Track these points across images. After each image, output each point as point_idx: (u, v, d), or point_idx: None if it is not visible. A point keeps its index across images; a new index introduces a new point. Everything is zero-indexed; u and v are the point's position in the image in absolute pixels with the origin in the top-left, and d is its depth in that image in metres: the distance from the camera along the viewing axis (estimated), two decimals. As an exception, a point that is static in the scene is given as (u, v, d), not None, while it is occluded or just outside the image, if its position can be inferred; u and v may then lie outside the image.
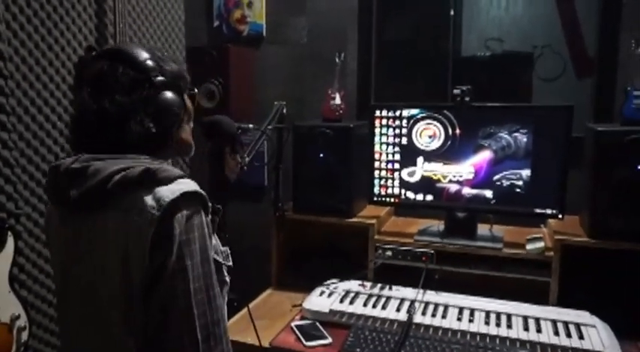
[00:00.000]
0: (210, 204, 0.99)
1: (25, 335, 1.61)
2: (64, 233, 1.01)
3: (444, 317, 1.65)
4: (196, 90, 1.15)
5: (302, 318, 1.74)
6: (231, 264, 1.12)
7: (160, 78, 1.01)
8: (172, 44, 2.31)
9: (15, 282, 1.62)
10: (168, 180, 0.93)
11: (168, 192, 0.91)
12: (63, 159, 1.00)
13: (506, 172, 1.80)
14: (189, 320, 0.90)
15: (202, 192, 0.95)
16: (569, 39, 2.30)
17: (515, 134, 1.78)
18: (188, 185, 0.94)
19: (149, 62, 1.01)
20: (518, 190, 1.80)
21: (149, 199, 0.90)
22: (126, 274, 0.90)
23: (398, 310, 1.69)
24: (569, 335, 1.53)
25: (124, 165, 0.92)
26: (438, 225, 1.96)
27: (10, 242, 1.57)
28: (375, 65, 2.37)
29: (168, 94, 1.01)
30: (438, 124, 1.86)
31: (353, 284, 1.87)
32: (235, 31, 2.41)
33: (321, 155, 1.95)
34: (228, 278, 1.11)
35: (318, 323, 1.69)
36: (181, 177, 0.95)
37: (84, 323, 0.99)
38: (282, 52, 2.40)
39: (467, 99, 1.82)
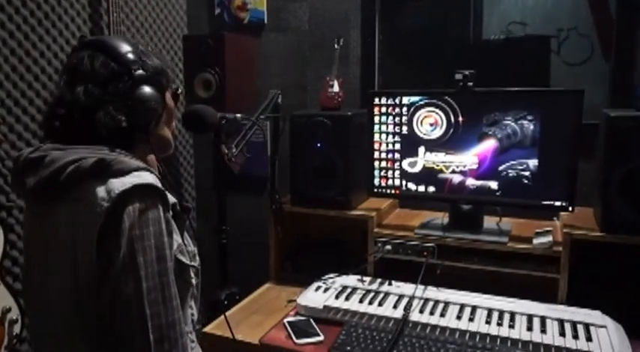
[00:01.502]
0: (173, 201, 0.95)
1: (17, 328, 1.61)
2: (30, 223, 1.01)
3: (442, 315, 1.57)
4: (180, 88, 1.12)
5: (297, 314, 1.69)
6: (197, 264, 1.05)
7: (140, 72, 0.98)
8: (173, 33, 2.28)
9: (6, 275, 1.62)
10: (123, 172, 0.89)
11: (120, 183, 0.87)
12: (25, 149, 0.99)
13: (512, 162, 1.70)
14: (141, 320, 0.86)
15: (159, 185, 0.91)
16: (598, 20, 2.16)
17: (522, 121, 1.67)
18: (143, 178, 0.90)
19: (130, 55, 0.98)
20: (524, 181, 1.69)
21: (101, 191, 0.87)
22: (74, 269, 0.87)
23: (395, 307, 1.62)
24: (576, 336, 1.43)
25: (79, 155, 0.89)
26: (442, 218, 1.87)
27: (0, 234, 1.57)
28: (389, 52, 2.26)
29: (147, 89, 0.98)
30: (440, 112, 1.76)
31: (351, 280, 1.81)
32: (236, 18, 2.36)
33: (319, 145, 1.88)
34: (194, 281, 1.05)
35: (312, 320, 1.63)
36: (139, 169, 0.91)
37: (42, 322, 0.97)
38: (284, 40, 2.34)
39: (470, 84, 1.72)
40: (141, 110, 0.97)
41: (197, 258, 1.05)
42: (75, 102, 0.94)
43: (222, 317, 1.66)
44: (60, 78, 1.00)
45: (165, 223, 0.90)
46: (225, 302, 2.03)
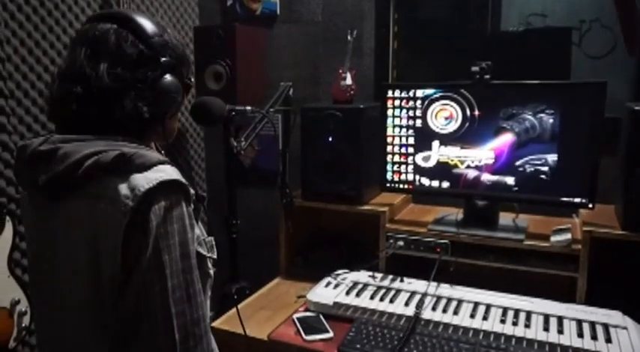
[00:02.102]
0: (192, 193, 0.91)
1: (26, 320, 1.61)
2: (34, 218, 0.95)
3: (455, 313, 1.52)
4: (193, 80, 1.07)
5: (306, 310, 1.66)
6: (215, 256, 1.03)
7: (167, 59, 0.92)
8: (185, 24, 2.25)
9: (15, 267, 1.61)
10: (145, 166, 0.84)
11: (144, 180, 0.83)
12: (30, 138, 0.91)
13: (530, 157, 1.64)
14: (166, 320, 0.83)
15: (183, 180, 0.87)
16: (621, 12, 2.08)
17: (541, 115, 1.61)
18: (167, 173, 0.85)
19: (159, 39, 0.92)
20: (542, 177, 1.63)
21: (123, 188, 0.82)
22: (94, 270, 0.83)
23: (407, 304, 1.58)
24: (594, 337, 1.38)
25: (96, 148, 0.83)
26: (457, 214, 1.83)
27: (9, 226, 1.56)
28: (403, 44, 2.21)
29: (171, 79, 0.92)
30: (455, 105, 1.72)
31: (362, 275, 1.77)
32: (248, 10, 2.33)
33: (331, 139, 1.85)
34: (212, 271, 1.02)
35: (321, 316, 1.60)
36: (160, 163, 0.86)
37: (52, 323, 0.93)
38: (296, 32, 2.30)
39: (487, 76, 1.66)
40: (164, 101, 0.92)
41: (215, 249, 1.02)
42: (97, 81, 0.85)
43: (230, 312, 1.65)
44: (74, 48, 0.89)
45: (188, 218, 0.87)
46: (235, 297, 2.00)
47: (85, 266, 0.84)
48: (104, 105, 0.87)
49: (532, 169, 1.65)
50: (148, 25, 0.92)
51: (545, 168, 1.63)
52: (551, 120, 1.60)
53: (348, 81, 1.89)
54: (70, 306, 0.88)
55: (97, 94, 0.86)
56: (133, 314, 0.83)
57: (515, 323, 1.45)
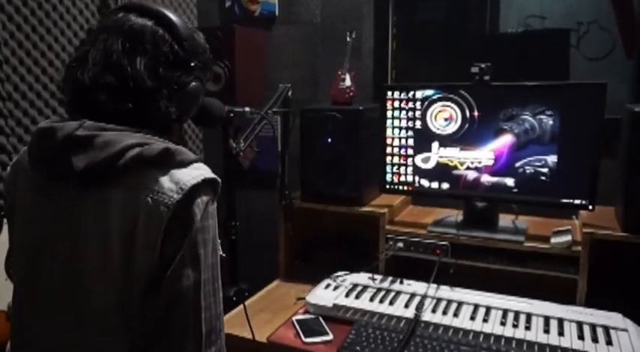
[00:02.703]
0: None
1: (24, 323, 1.59)
2: (43, 207, 0.88)
3: (455, 315, 1.52)
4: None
5: (305, 312, 1.65)
6: (224, 254, 1.04)
7: (198, 64, 0.93)
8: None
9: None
10: (185, 163, 0.86)
11: (188, 176, 0.84)
12: (55, 120, 0.87)
13: (530, 158, 1.64)
14: (196, 313, 0.84)
15: (219, 179, 0.89)
16: (618, 15, 2.08)
17: (540, 116, 1.61)
18: (206, 171, 0.88)
19: (194, 43, 0.92)
20: (542, 178, 1.63)
21: (165, 181, 0.82)
22: (128, 260, 0.81)
23: (406, 306, 1.58)
24: (595, 339, 1.37)
25: (137, 140, 0.83)
26: (457, 216, 1.82)
27: (6, 229, 1.55)
28: (402, 45, 2.21)
29: (198, 84, 0.94)
30: (455, 106, 1.71)
31: (362, 277, 1.77)
32: (247, 11, 2.32)
33: (330, 140, 1.84)
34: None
35: (321, 319, 1.60)
36: (197, 161, 0.89)
37: (61, 316, 0.88)
38: (295, 33, 2.29)
39: (486, 77, 1.66)
40: (189, 105, 0.94)
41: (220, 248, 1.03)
42: (135, 76, 0.84)
43: (228, 314, 1.64)
44: (106, 37, 0.87)
45: (216, 215, 0.89)
46: (234, 299, 2.00)
47: (119, 259, 0.82)
48: (139, 101, 0.86)
49: (532, 171, 1.64)
50: (182, 26, 0.92)
51: (545, 170, 1.62)
52: (550, 122, 1.60)
53: (347, 82, 1.89)
54: (91, 296, 0.84)
55: (134, 90, 0.85)
56: (165, 306, 0.82)
57: (515, 325, 1.45)
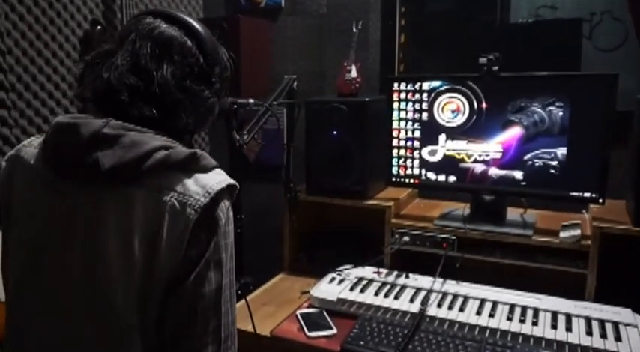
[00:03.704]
0: None
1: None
2: (51, 204, 0.85)
3: (461, 309, 1.50)
4: None
5: (310, 306, 1.64)
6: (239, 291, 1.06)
7: (218, 80, 0.93)
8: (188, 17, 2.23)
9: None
10: (207, 168, 0.87)
11: (213, 180, 0.84)
12: (76, 116, 0.85)
13: (539, 151, 1.61)
14: (216, 318, 0.84)
15: (237, 185, 0.90)
16: (632, 3, 2.03)
17: (550, 108, 1.58)
18: (227, 176, 0.89)
19: (217, 57, 0.93)
20: (552, 171, 1.60)
21: (191, 184, 0.82)
22: (151, 260, 0.80)
23: (412, 300, 1.56)
24: (604, 335, 1.35)
25: (163, 142, 0.83)
26: (464, 209, 1.80)
27: None
28: (410, 35, 2.17)
29: (215, 100, 0.94)
30: (462, 97, 1.68)
31: (367, 271, 1.75)
32: (252, 2, 2.30)
33: (335, 132, 1.82)
34: None
35: (325, 312, 1.58)
36: (218, 166, 0.89)
37: (72, 314, 0.85)
38: (301, 24, 2.26)
39: (495, 68, 1.63)
40: (206, 120, 0.95)
41: None
42: (163, 85, 0.84)
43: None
44: (133, 40, 0.86)
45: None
46: (239, 292, 1.99)
47: (141, 259, 0.80)
48: (162, 109, 0.86)
49: (541, 163, 1.61)
50: (209, 39, 0.92)
51: (555, 163, 1.59)
52: (560, 113, 1.56)
53: (354, 74, 1.86)
54: (112, 306, 0.81)
55: (159, 96, 0.85)
56: (188, 313, 0.82)
57: (522, 321, 1.43)
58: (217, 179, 0.86)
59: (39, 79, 1.66)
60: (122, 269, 0.81)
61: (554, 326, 1.39)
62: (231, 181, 0.88)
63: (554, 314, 1.45)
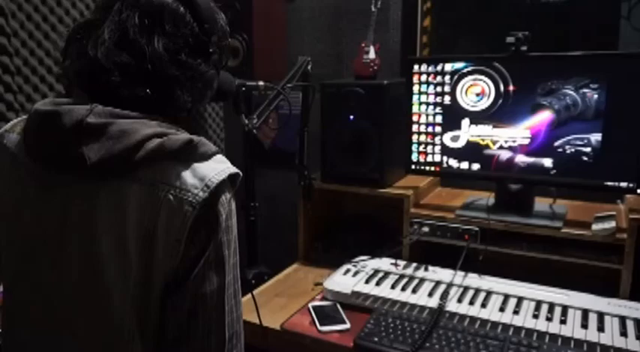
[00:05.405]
0: None
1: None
2: (41, 199, 0.79)
3: (483, 305, 1.41)
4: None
5: (323, 298, 1.57)
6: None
7: (217, 49, 0.84)
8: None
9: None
10: (206, 155, 0.79)
11: (212, 170, 0.77)
12: (57, 102, 0.76)
13: (571, 137, 1.49)
14: (220, 318, 0.78)
15: (240, 173, 0.82)
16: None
17: (584, 90, 1.46)
18: (228, 164, 0.81)
19: (216, 26, 0.83)
20: (585, 158, 1.48)
21: (188, 176, 0.75)
22: (147, 259, 0.74)
23: (430, 295, 1.47)
24: (640, 337, 1.24)
25: (154, 129, 0.75)
26: (488, 199, 1.69)
27: None
28: (433, 14, 2.06)
29: (214, 72, 0.86)
30: (488, 80, 1.57)
31: (384, 263, 1.67)
32: (267, -19, 2.21)
33: (352, 117, 1.74)
34: None
35: (338, 306, 1.51)
36: (218, 152, 0.81)
37: (69, 315, 0.80)
38: (318, 4, 2.17)
39: (523, 48, 1.51)
40: (205, 94, 0.86)
41: None
42: (153, 56, 0.75)
43: (243, 298, 1.57)
44: (119, 10, 0.76)
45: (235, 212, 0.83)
46: (253, 282, 1.94)
47: (137, 257, 0.74)
48: (157, 87, 0.78)
49: (573, 150, 1.50)
50: (204, 4, 0.82)
51: (588, 149, 1.48)
52: (595, 96, 1.44)
53: (372, 55, 1.77)
54: (111, 306, 0.76)
55: (152, 74, 0.76)
56: (189, 314, 0.76)
57: (549, 319, 1.33)
58: (217, 168, 0.78)
59: (46, 63, 1.62)
60: (118, 270, 0.75)
61: (584, 326, 1.29)
62: (233, 170, 0.80)
63: (585, 313, 1.35)
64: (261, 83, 1.43)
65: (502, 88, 1.55)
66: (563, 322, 1.31)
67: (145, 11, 0.77)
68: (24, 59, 1.55)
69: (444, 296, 1.43)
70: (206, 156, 0.79)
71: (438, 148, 1.69)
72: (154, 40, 0.76)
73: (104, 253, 0.75)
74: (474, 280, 1.53)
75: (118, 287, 0.75)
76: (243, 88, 1.35)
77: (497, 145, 1.60)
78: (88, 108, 0.73)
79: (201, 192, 0.74)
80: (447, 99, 1.65)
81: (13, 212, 0.83)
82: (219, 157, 0.81)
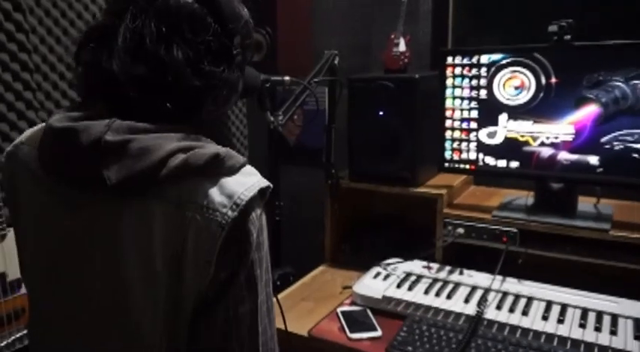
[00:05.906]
0: None
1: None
2: (63, 218, 0.75)
3: (524, 313, 1.32)
4: None
5: (352, 303, 1.50)
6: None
7: (241, 51, 0.77)
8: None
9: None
10: (234, 169, 0.73)
11: (240, 186, 0.71)
12: (73, 116, 0.71)
13: (620, 132, 1.39)
14: (253, 340, 0.74)
15: (271, 185, 0.75)
16: None
17: (635, 81, 1.35)
18: (258, 176, 0.75)
19: (240, 26, 0.77)
20: (635, 156, 1.38)
21: (215, 193, 0.69)
22: (176, 281, 0.69)
23: (467, 301, 1.39)
24: (700, 350, 1.14)
25: (177, 143, 0.69)
26: (527, 198, 1.60)
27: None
28: (465, 3, 1.96)
29: (239, 75, 0.79)
30: (527, 72, 1.47)
31: (416, 266, 1.59)
32: (292, -28, 2.14)
33: (381, 113, 1.66)
34: None
35: (369, 311, 1.44)
36: (245, 164, 0.75)
37: (97, 336, 0.76)
38: (345, -6, 2.10)
39: (567, 37, 1.41)
40: (229, 101, 0.80)
41: None
42: (173, 68, 0.70)
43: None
44: (134, 15, 0.70)
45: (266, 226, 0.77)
46: (278, 283, 1.89)
47: (165, 279, 0.69)
48: (179, 101, 0.72)
49: (621, 147, 1.39)
50: (226, 2, 0.75)
51: (638, 146, 1.37)
52: (647, 88, 1.34)
53: (402, 47, 1.68)
54: (139, 328, 0.72)
55: (174, 87, 0.71)
56: (222, 337, 0.72)
57: (597, 329, 1.24)
58: (247, 183, 0.72)
59: (65, 59, 1.58)
60: (146, 294, 0.70)
61: (637, 337, 1.20)
62: (264, 183, 0.74)
63: (637, 322, 1.25)
64: (286, 78, 1.36)
65: (543, 80, 1.45)
66: (613, 332, 1.22)
67: (162, 17, 0.70)
68: (43, 56, 1.51)
69: (482, 302, 1.35)
70: (234, 170, 0.73)
71: (473, 145, 1.60)
72: (172, 50, 0.70)
73: (133, 272, 0.71)
74: (513, 285, 1.45)
75: (146, 314, 0.71)
76: (267, 84, 1.28)
77: (538, 142, 1.50)
78: (106, 124, 0.68)
79: (230, 210, 0.69)
80: (483, 93, 1.55)
81: (35, 229, 0.79)
82: (248, 169, 0.75)
